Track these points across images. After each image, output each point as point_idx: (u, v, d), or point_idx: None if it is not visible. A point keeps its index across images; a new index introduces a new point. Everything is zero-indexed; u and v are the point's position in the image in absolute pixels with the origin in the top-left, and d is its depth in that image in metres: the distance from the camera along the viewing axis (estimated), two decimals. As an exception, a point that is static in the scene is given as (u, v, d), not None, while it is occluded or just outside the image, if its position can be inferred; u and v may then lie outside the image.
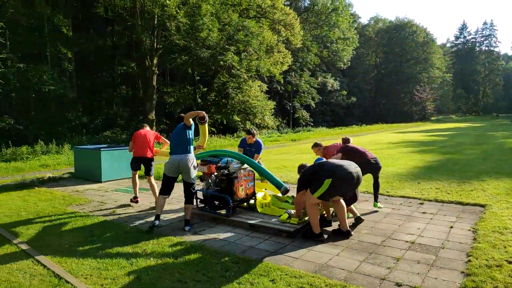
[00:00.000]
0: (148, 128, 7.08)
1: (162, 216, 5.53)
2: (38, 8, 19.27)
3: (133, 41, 24.52)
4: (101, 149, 8.97)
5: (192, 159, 5.17)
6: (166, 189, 5.25)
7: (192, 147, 5.26)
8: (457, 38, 75.93)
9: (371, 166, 5.73)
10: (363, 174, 5.03)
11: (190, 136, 5.23)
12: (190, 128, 5.24)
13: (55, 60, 22.04)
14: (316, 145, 6.18)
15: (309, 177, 4.64)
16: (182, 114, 5.45)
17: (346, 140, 6.19)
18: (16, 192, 7.87)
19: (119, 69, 25.58)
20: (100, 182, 8.97)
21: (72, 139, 18.09)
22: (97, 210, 6.21)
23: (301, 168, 5.28)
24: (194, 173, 5.20)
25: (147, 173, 6.64)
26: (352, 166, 4.50)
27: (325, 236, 4.58)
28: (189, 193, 5.18)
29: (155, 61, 21.80)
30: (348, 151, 5.78)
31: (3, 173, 10.89)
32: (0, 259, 4.05)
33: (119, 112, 24.40)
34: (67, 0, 22.24)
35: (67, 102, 21.47)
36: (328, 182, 4.31)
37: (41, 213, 6.06)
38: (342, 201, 4.72)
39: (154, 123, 22.41)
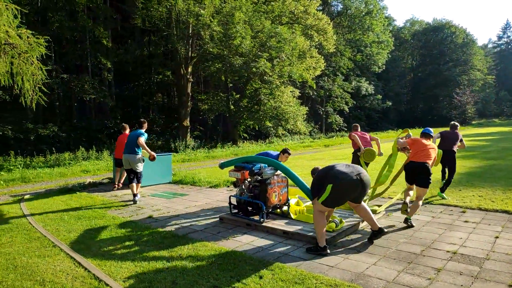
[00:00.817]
0: (127, 131, 8.90)
1: (196, 222, 5.86)
2: (81, 22, 20.31)
3: (168, 50, 25.24)
4: (138, 155, 9.25)
5: (139, 157, 7.41)
6: (130, 178, 7.49)
7: (140, 149, 7.38)
8: (500, 38, 72.58)
9: (447, 154, 6.85)
10: (442, 160, 6.90)
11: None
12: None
13: (95, 70, 23.13)
14: (354, 127, 8.29)
15: (317, 181, 4.55)
16: (142, 119, 7.72)
17: (453, 126, 7.40)
18: (59, 197, 8.27)
19: (155, 78, 26.39)
20: (137, 187, 9.22)
21: (111, 145, 18.82)
22: (135, 215, 6.40)
23: (313, 173, 5.19)
24: (140, 166, 7.46)
25: (119, 166, 8.80)
26: (355, 173, 4.33)
27: (328, 250, 4.25)
28: (135, 176, 7.43)
29: (189, 69, 22.28)
30: (441, 135, 7.30)
31: (47, 178, 11.48)
32: (45, 261, 4.25)
33: (155, 119, 25.15)
34: (107, 13, 23.27)
35: (106, 110, 22.47)
36: (329, 187, 4.23)
37: (82, 217, 6.32)
38: (363, 203, 4.59)
39: (189, 130, 22.86)
